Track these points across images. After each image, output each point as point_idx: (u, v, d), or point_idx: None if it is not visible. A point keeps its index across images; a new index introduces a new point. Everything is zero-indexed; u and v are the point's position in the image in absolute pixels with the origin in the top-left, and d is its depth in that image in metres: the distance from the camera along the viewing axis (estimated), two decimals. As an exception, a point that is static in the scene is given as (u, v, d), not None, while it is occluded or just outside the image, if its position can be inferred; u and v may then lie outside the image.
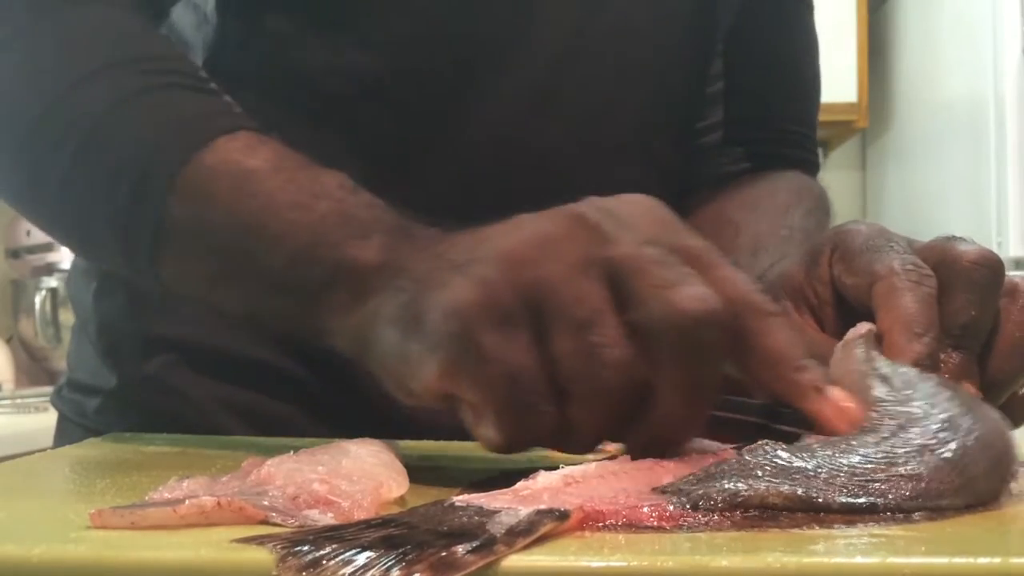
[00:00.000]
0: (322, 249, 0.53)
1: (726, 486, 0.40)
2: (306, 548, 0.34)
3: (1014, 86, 2.23)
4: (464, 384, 0.47)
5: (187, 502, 0.38)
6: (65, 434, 0.83)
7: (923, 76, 2.72)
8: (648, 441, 0.46)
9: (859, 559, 0.33)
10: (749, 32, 0.84)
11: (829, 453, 0.41)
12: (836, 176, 3.19)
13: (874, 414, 0.44)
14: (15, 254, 2.43)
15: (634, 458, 0.45)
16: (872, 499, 0.40)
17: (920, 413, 0.43)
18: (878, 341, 0.51)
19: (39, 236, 2.37)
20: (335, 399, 0.75)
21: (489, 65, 0.74)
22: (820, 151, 3.17)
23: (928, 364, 0.49)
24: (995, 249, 2.03)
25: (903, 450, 0.42)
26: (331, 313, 0.53)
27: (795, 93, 0.88)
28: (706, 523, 0.39)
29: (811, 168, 0.87)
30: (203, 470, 0.49)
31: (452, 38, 0.73)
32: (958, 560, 0.33)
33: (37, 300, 2.34)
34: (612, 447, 0.65)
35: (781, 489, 0.40)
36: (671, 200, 0.86)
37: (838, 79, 2.75)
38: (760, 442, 0.42)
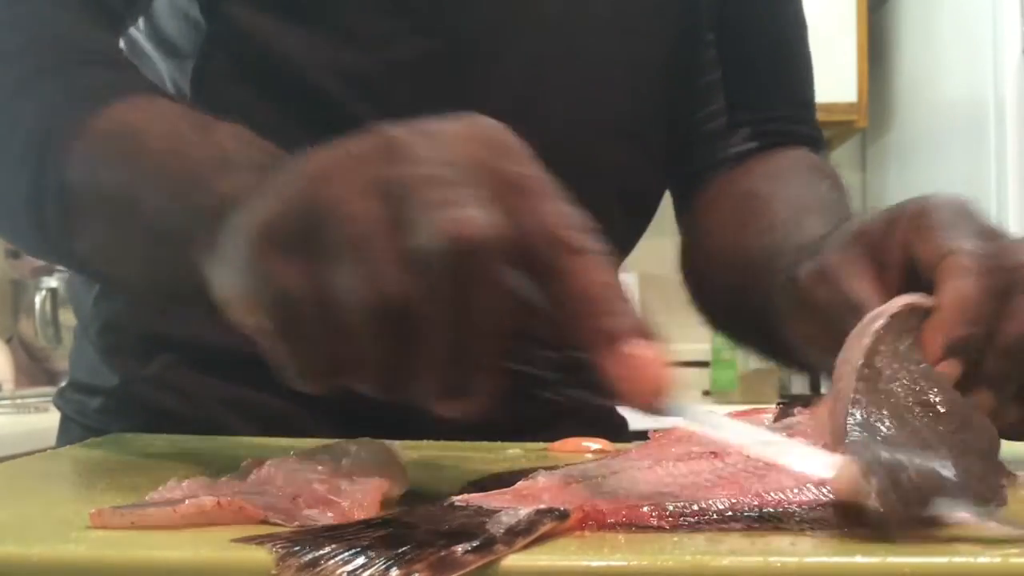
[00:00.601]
0: (195, 191, 0.51)
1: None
2: (305, 548, 0.34)
3: (1014, 86, 2.23)
4: (254, 312, 0.44)
5: (187, 502, 0.38)
6: (67, 434, 0.83)
7: (923, 76, 2.72)
8: (429, 389, 0.41)
9: (859, 559, 0.33)
10: (740, 18, 0.86)
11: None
12: (836, 176, 3.19)
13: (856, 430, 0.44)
14: (15, 254, 2.43)
15: (425, 407, 0.41)
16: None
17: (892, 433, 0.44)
18: (915, 317, 0.50)
19: (39, 236, 2.36)
20: (340, 396, 0.75)
21: (476, 57, 0.74)
22: (820, 151, 3.09)
23: (962, 353, 0.49)
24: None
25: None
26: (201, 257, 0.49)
27: (791, 74, 0.89)
28: (707, 523, 0.39)
29: (817, 144, 0.88)
30: (203, 470, 0.49)
31: (437, 32, 0.74)
32: (958, 560, 0.33)
33: (37, 300, 2.34)
34: (610, 446, 0.65)
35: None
36: (661, 182, 0.85)
37: (838, 79, 2.75)
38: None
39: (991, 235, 0.54)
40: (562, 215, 0.41)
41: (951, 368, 0.49)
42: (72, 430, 0.82)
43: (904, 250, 0.55)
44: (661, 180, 0.88)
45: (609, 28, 0.78)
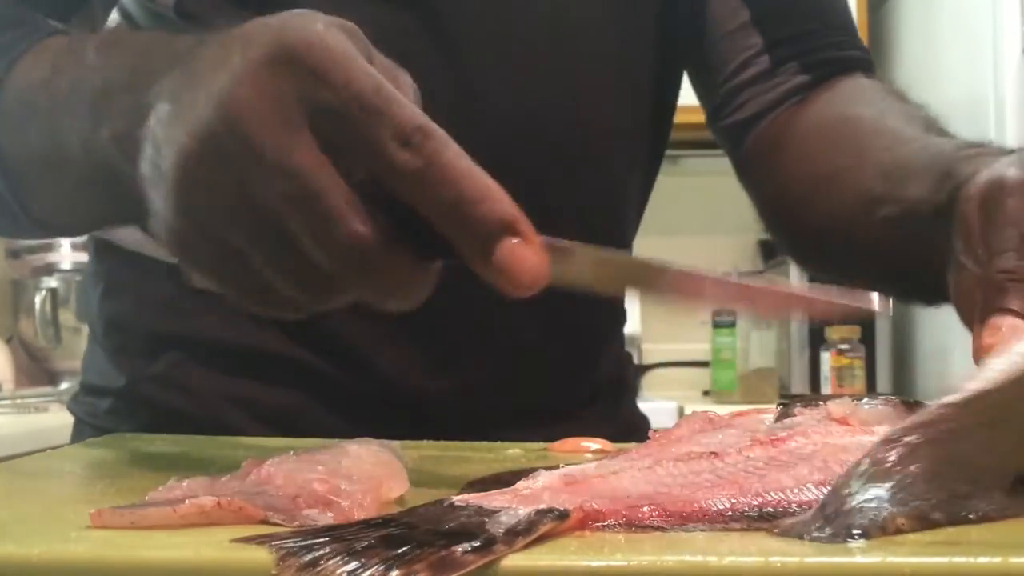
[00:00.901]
0: (108, 98, 0.52)
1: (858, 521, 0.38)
2: (305, 548, 0.34)
3: (1014, 86, 2.23)
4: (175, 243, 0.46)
5: (187, 502, 0.38)
6: (80, 436, 0.83)
7: (923, 76, 2.72)
8: (347, 288, 0.44)
9: (859, 559, 0.33)
10: None
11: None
12: (836, 176, 3.19)
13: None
14: (15, 254, 2.43)
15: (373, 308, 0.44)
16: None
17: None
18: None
19: (39, 236, 2.36)
20: (348, 388, 0.76)
21: (458, 31, 0.73)
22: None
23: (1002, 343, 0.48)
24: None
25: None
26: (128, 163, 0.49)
27: (822, 3, 0.86)
28: (707, 523, 0.39)
29: (868, 66, 0.85)
30: (203, 470, 0.48)
31: (417, 31, 0.73)
32: (958, 560, 0.33)
33: (37, 300, 2.34)
34: (610, 446, 0.65)
35: (902, 511, 0.38)
36: (642, 173, 0.82)
37: (838, 79, 2.75)
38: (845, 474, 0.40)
39: None
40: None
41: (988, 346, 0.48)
42: (85, 433, 0.82)
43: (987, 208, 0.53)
44: (649, 171, 0.87)
45: (592, 25, 0.78)
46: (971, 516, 0.39)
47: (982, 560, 0.33)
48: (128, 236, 0.81)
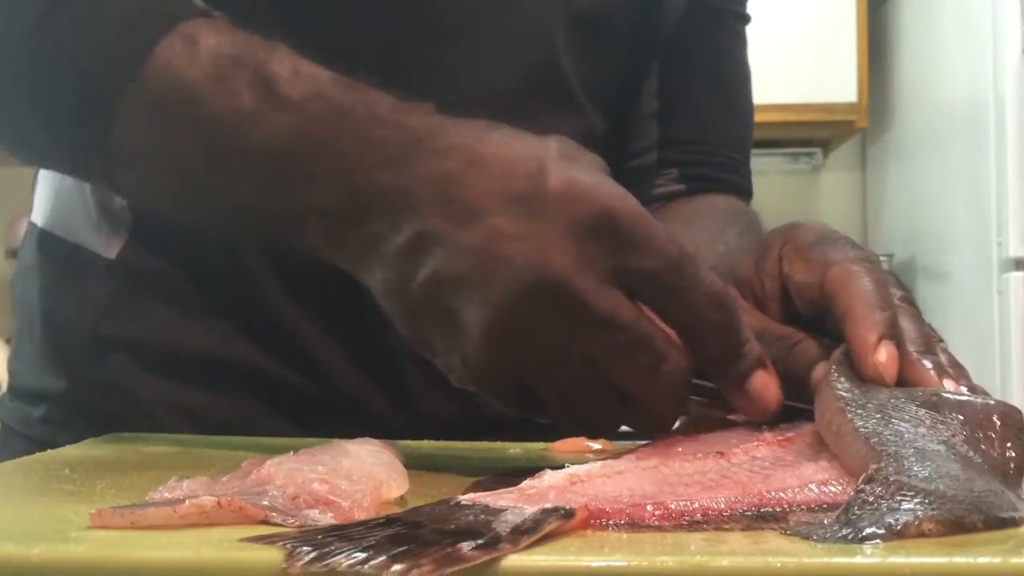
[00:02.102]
0: (297, 157, 0.53)
1: (868, 528, 0.37)
2: (313, 545, 0.34)
3: (1014, 86, 2.23)
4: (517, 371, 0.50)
5: (187, 502, 0.38)
6: (9, 447, 0.78)
7: (923, 76, 2.72)
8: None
9: (859, 559, 0.33)
10: (687, 55, 0.85)
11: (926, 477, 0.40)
12: (836, 176, 3.19)
13: (879, 448, 0.43)
14: (15, 254, 2.43)
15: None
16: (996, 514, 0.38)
17: (921, 442, 0.43)
18: (846, 363, 0.51)
19: (39, 236, 2.36)
20: (297, 395, 0.74)
21: (429, 42, 0.72)
22: (820, 151, 3.15)
23: (893, 334, 0.50)
24: (995, 249, 2.03)
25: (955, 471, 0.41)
26: (319, 230, 0.53)
27: (731, 119, 0.89)
28: (711, 523, 0.39)
29: (744, 194, 0.88)
30: (203, 470, 0.49)
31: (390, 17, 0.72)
32: (958, 560, 0.33)
33: (37, 300, 2.33)
34: (611, 446, 0.65)
35: (931, 515, 0.37)
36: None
37: (838, 79, 2.75)
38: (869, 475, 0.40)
39: (854, 244, 0.56)
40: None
41: (887, 352, 0.50)
42: (14, 443, 0.77)
43: (777, 280, 0.57)
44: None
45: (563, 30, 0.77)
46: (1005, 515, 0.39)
47: (982, 560, 0.33)
48: (71, 227, 0.76)
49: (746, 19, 0.90)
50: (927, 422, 0.45)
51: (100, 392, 0.75)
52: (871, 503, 0.38)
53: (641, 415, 0.51)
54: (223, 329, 0.74)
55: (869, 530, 0.36)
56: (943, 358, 0.52)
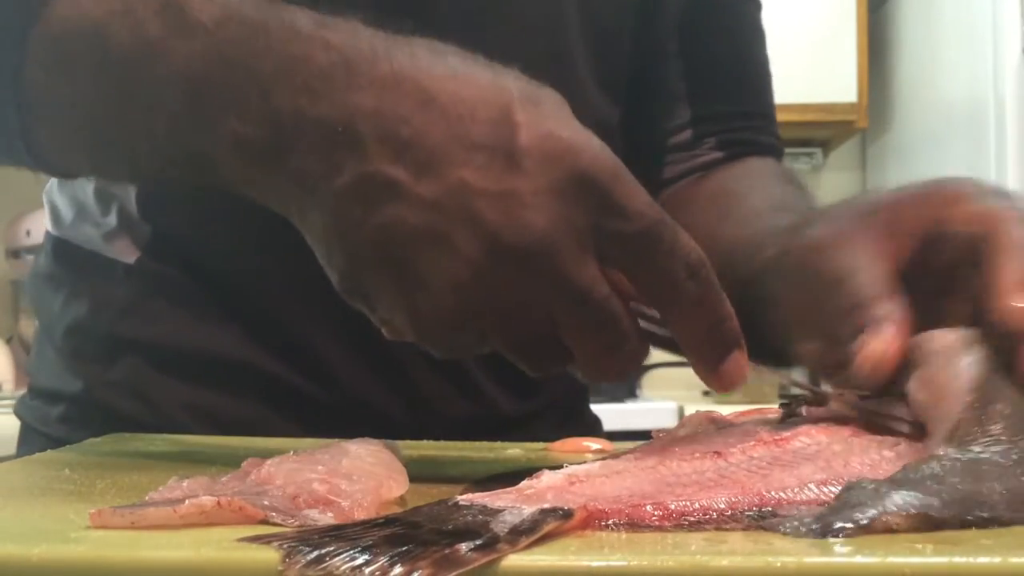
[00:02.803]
0: (211, 84, 0.48)
1: (855, 517, 0.37)
2: (311, 546, 0.34)
3: (1014, 86, 2.23)
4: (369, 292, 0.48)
5: (187, 502, 0.38)
6: (29, 444, 0.80)
7: (923, 76, 2.72)
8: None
9: (859, 559, 0.33)
10: (701, 26, 0.86)
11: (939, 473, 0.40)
12: (836, 176, 3.19)
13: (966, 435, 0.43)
14: (15, 254, 2.43)
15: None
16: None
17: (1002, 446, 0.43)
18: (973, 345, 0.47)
19: (39, 236, 2.37)
20: (309, 398, 0.75)
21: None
22: (820, 151, 3.14)
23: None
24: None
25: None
26: (239, 163, 0.49)
27: (756, 85, 0.90)
28: (709, 523, 0.39)
29: (778, 152, 0.90)
30: (203, 470, 0.49)
31: None
32: (958, 560, 0.33)
33: (37, 300, 2.34)
34: (610, 446, 0.65)
35: (894, 510, 0.37)
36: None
37: (838, 79, 2.75)
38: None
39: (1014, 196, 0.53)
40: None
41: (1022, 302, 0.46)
42: (33, 440, 0.79)
43: (919, 220, 0.53)
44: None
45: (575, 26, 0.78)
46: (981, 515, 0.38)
47: (982, 560, 0.33)
48: (89, 237, 0.78)
49: None
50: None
51: (115, 392, 0.76)
52: (848, 504, 0.38)
53: (588, 375, 0.50)
54: (236, 332, 0.74)
55: (837, 525, 0.36)
56: None
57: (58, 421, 0.78)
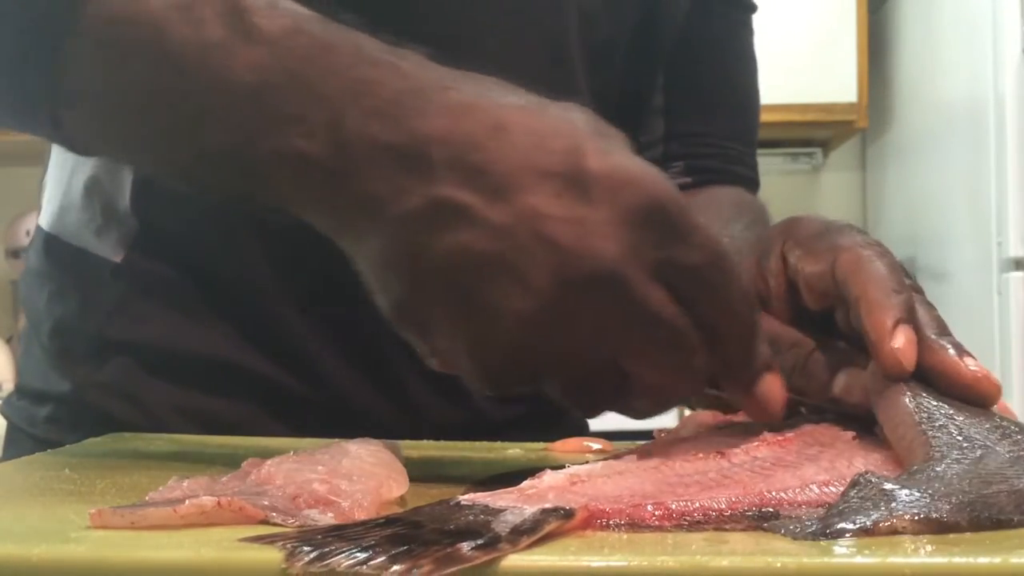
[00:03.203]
0: (274, 95, 0.47)
1: (859, 519, 0.37)
2: (313, 546, 0.34)
3: (1014, 86, 2.23)
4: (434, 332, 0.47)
5: (187, 502, 0.38)
6: (15, 446, 0.79)
7: (923, 76, 2.72)
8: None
9: (859, 559, 0.33)
10: (693, 47, 0.85)
11: (927, 478, 0.40)
12: (836, 176, 3.19)
13: (936, 452, 0.43)
14: (15, 254, 2.43)
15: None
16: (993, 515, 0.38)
17: (984, 451, 0.43)
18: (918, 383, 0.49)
19: (39, 236, 2.37)
20: (299, 400, 0.74)
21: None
22: (820, 151, 3.14)
23: (910, 318, 0.49)
24: (995, 249, 2.02)
25: (991, 471, 0.41)
26: (296, 182, 0.48)
27: (737, 111, 0.89)
28: (711, 523, 0.39)
29: (751, 185, 0.88)
30: (203, 470, 0.49)
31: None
32: (958, 560, 0.33)
33: (37, 300, 2.33)
34: (610, 446, 0.65)
35: (902, 513, 0.37)
36: None
37: (838, 79, 2.75)
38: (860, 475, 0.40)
39: (860, 231, 0.55)
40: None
41: (906, 337, 0.48)
42: (21, 441, 0.78)
43: (781, 277, 0.56)
44: None
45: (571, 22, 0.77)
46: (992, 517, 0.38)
47: (982, 560, 0.33)
48: (76, 232, 0.77)
49: (752, 8, 0.90)
50: (994, 437, 0.44)
51: (104, 394, 0.75)
52: (851, 505, 0.38)
53: (644, 405, 0.49)
54: (226, 334, 0.74)
55: (839, 526, 0.36)
56: (958, 343, 0.50)
57: (45, 422, 0.77)
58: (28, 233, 2.39)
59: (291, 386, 0.74)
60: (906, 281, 0.52)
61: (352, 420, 0.74)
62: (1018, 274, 2.20)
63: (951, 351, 0.49)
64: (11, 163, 2.70)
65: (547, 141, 0.46)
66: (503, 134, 0.46)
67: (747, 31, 0.89)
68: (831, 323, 0.54)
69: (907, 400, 0.47)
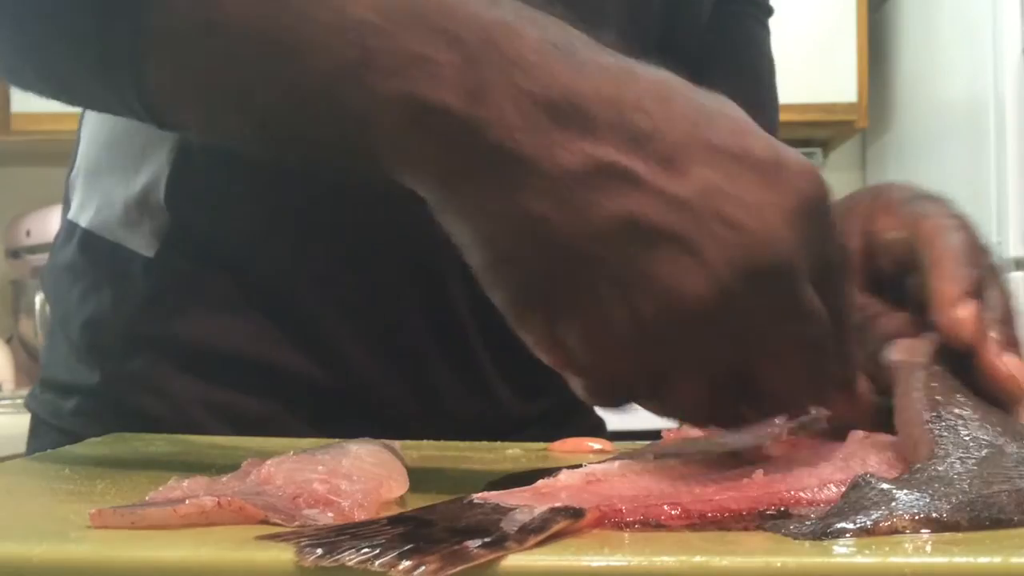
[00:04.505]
0: (399, 31, 0.41)
1: (859, 519, 0.37)
2: (323, 542, 0.34)
3: (1014, 86, 2.23)
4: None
5: (187, 502, 0.38)
6: (40, 438, 0.81)
7: (923, 76, 2.72)
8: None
9: (859, 559, 0.33)
10: (714, 51, 0.85)
11: (926, 479, 0.40)
12: (836, 176, 3.19)
13: (940, 451, 0.43)
14: (15, 254, 2.43)
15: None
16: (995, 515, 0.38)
17: (990, 450, 0.43)
18: (936, 356, 0.49)
19: (39, 236, 2.37)
20: (328, 396, 0.75)
21: None
22: (820, 151, 3.14)
23: (977, 292, 0.48)
24: (995, 249, 2.01)
25: (995, 471, 0.41)
26: (410, 131, 0.42)
27: (759, 111, 0.88)
28: (727, 522, 0.39)
29: None
30: (203, 470, 0.48)
31: None
32: (958, 560, 0.33)
33: (37, 300, 2.34)
34: (611, 446, 0.65)
35: (901, 512, 0.37)
36: None
37: (838, 79, 2.75)
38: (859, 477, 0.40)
39: (949, 203, 0.54)
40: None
41: (968, 311, 0.48)
42: (45, 433, 0.79)
43: (861, 238, 0.55)
44: None
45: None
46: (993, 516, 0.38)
47: (982, 560, 0.33)
48: (111, 227, 0.78)
49: (769, 11, 0.90)
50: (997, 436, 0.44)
51: (132, 387, 0.76)
52: (851, 505, 0.38)
53: (770, 410, 0.46)
54: (256, 329, 0.74)
55: (839, 526, 0.36)
56: (1011, 334, 0.49)
57: (71, 414, 0.78)
58: (28, 233, 2.39)
59: (322, 383, 0.75)
60: (986, 261, 0.50)
61: (376, 414, 0.74)
62: (1018, 274, 2.20)
63: (993, 344, 0.48)
64: (11, 163, 2.70)
65: (713, 117, 0.43)
66: (668, 104, 0.42)
67: (765, 32, 0.89)
68: (902, 290, 0.53)
69: (919, 397, 0.47)
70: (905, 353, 0.51)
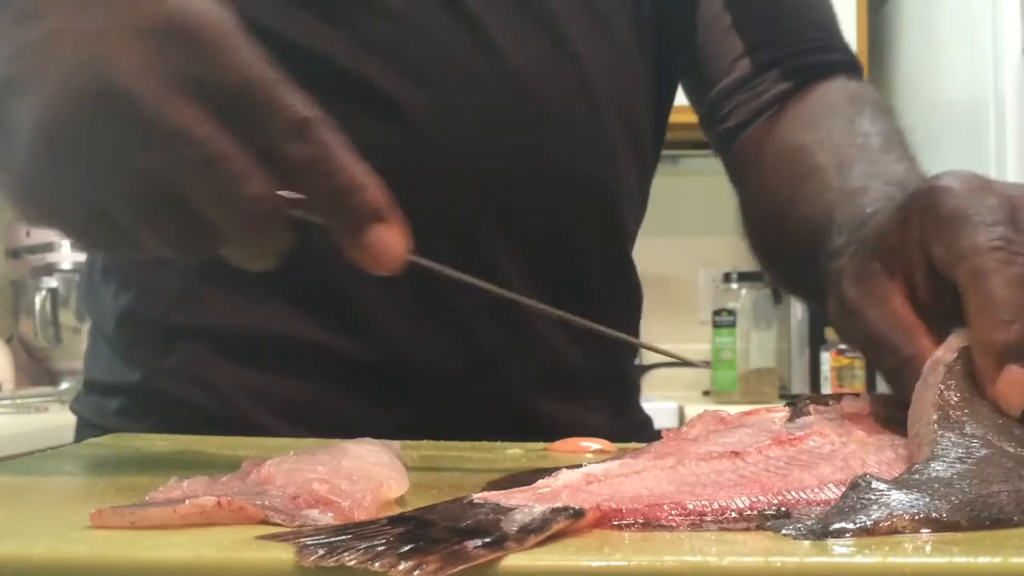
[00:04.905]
0: None
1: (859, 519, 0.37)
2: (325, 542, 0.34)
3: (1014, 86, 2.23)
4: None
5: (187, 502, 0.38)
6: (85, 438, 0.79)
7: (923, 76, 2.72)
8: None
9: (859, 559, 0.33)
10: None
11: (924, 479, 0.40)
12: (836, 176, 3.19)
13: (940, 451, 0.43)
14: (15, 254, 2.43)
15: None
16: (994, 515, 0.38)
17: (992, 451, 0.43)
18: (967, 359, 0.47)
19: (39, 236, 2.37)
20: (369, 374, 0.74)
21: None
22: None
23: (1018, 354, 0.46)
24: None
25: (992, 471, 0.41)
26: None
27: (804, 2, 0.85)
28: (726, 523, 0.39)
29: (851, 68, 0.84)
30: (203, 470, 0.48)
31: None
32: (958, 560, 0.33)
33: (37, 300, 2.34)
34: (610, 446, 0.65)
35: (901, 512, 0.37)
36: (646, 156, 0.82)
37: (838, 79, 2.75)
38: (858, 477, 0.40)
39: (1001, 211, 0.50)
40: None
41: (1009, 378, 0.46)
42: (90, 434, 0.79)
43: (923, 251, 0.52)
44: (647, 172, 0.87)
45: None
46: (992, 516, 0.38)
47: (982, 560, 0.33)
48: None
49: None
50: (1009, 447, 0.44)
51: (175, 380, 0.76)
52: (851, 504, 0.38)
53: (232, 246, 0.47)
54: (292, 311, 0.74)
55: (839, 526, 0.36)
56: None
57: (116, 413, 0.78)
58: (28, 233, 2.39)
59: (358, 358, 0.74)
60: None
61: (422, 390, 0.73)
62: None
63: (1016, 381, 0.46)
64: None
65: None
66: None
67: None
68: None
69: (931, 398, 0.47)
70: (943, 349, 0.50)
